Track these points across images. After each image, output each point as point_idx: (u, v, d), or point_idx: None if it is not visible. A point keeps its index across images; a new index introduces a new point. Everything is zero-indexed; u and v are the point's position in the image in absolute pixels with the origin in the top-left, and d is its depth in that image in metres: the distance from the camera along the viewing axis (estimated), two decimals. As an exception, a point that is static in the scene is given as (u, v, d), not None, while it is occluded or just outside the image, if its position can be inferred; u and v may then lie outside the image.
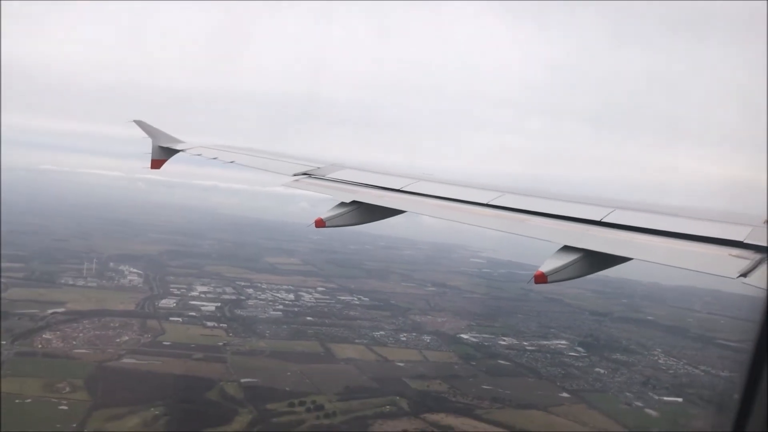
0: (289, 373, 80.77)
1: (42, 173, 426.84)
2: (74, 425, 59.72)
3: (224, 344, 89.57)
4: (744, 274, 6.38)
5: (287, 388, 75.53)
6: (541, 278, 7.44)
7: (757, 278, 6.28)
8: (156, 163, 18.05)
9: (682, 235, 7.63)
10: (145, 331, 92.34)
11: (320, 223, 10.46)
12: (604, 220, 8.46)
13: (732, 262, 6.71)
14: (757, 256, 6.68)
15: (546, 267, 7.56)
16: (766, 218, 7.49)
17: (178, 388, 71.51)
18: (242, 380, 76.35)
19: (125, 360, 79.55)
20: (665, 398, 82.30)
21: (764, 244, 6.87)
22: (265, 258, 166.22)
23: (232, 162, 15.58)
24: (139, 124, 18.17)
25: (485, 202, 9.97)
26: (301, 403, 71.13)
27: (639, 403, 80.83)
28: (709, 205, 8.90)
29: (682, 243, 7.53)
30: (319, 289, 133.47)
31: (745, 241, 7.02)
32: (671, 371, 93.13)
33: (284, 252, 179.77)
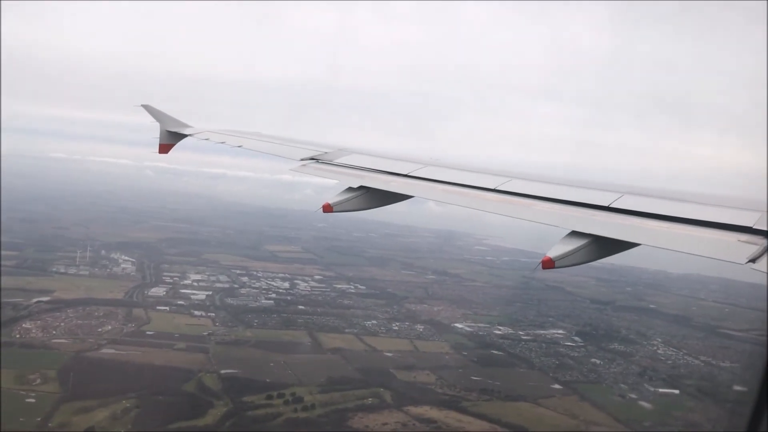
0: (272, 364, 78.86)
1: (51, 161, 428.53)
2: (38, 419, 58.01)
3: (209, 334, 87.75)
4: (753, 260, 6.32)
5: (268, 380, 73.51)
6: (548, 263, 7.42)
7: (766, 264, 6.22)
8: (164, 148, 18.29)
9: (691, 220, 7.57)
10: (130, 320, 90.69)
11: (327, 208, 10.49)
12: (613, 205, 8.45)
13: (741, 247, 6.66)
14: (766, 242, 6.61)
15: (553, 252, 7.52)
16: None
17: (154, 380, 69.81)
18: (222, 371, 74.56)
19: (104, 350, 77.84)
20: (661, 390, 79.46)
21: None
22: (266, 246, 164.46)
23: (239, 146, 15.51)
24: (147, 108, 18.19)
25: (492, 187, 9.92)
26: (280, 395, 69.05)
27: (633, 395, 77.97)
28: (721, 192, 8.79)
29: (690, 228, 7.48)
30: (316, 277, 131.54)
31: (754, 227, 6.96)
32: (670, 362, 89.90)
33: (286, 240, 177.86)
